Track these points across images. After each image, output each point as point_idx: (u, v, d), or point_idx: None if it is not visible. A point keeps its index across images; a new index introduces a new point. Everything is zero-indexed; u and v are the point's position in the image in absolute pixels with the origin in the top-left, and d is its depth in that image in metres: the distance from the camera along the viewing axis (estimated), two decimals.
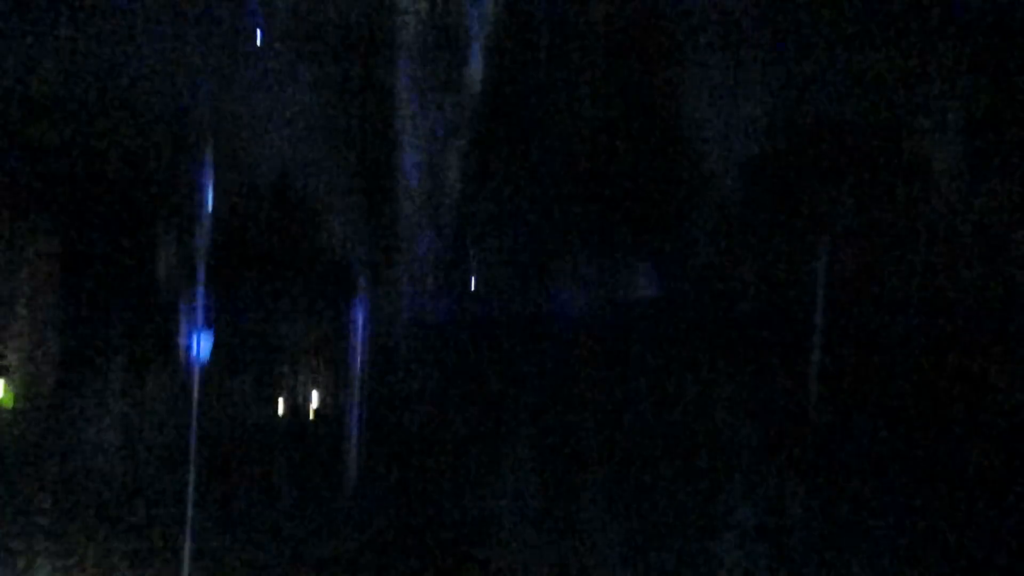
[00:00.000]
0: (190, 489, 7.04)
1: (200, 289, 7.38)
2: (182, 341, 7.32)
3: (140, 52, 7.63)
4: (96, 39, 7.63)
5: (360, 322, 7.73)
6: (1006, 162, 7.56)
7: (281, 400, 7.55)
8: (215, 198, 7.65)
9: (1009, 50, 7.53)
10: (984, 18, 7.55)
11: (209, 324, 7.34)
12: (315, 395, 7.64)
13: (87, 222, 7.60)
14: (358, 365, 7.63)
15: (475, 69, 7.85)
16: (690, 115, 7.85)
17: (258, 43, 7.74)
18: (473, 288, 8.05)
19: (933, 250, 7.65)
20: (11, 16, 7.50)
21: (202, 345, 7.29)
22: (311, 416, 7.65)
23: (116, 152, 7.68)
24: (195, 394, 7.14)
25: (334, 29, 7.77)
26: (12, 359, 7.36)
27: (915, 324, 7.62)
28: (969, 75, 7.57)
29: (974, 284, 7.58)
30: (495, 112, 7.94)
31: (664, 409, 7.86)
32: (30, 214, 7.55)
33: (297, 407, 7.60)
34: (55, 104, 7.59)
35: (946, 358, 7.59)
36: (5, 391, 7.35)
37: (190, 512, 7.01)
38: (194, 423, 7.12)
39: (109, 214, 7.62)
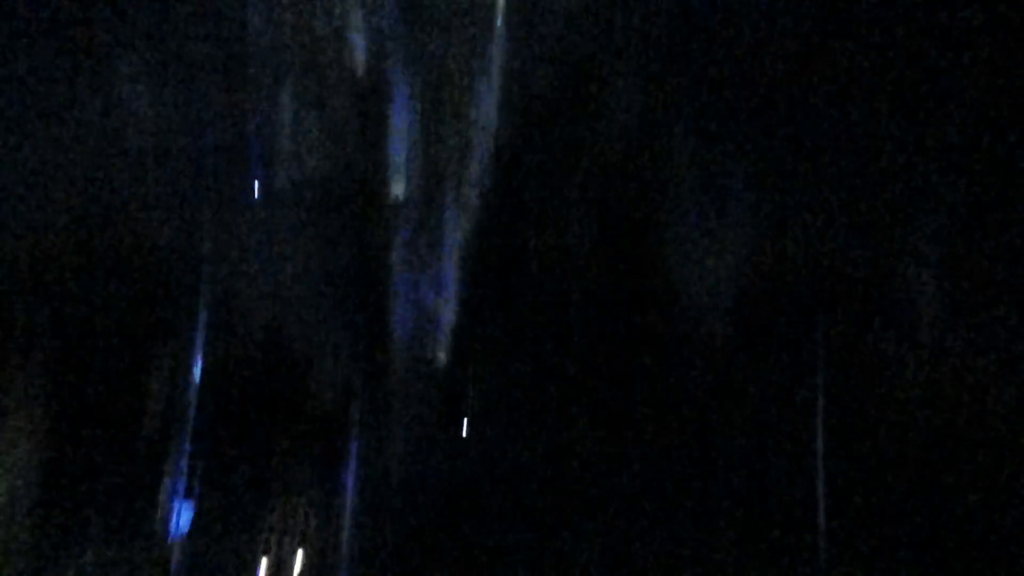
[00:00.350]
0: None
1: (185, 451, 7.29)
2: (163, 510, 7.21)
3: (140, 199, 7.62)
4: (92, 185, 7.62)
5: (351, 478, 7.62)
6: (988, 301, 7.50)
7: (264, 566, 7.43)
8: (206, 351, 7.59)
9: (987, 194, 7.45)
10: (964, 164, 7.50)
11: (191, 492, 7.24)
12: (300, 561, 7.51)
13: (74, 374, 7.54)
14: (347, 527, 7.51)
15: (466, 225, 7.83)
16: (677, 265, 7.82)
17: (256, 195, 7.74)
18: (465, 438, 7.94)
19: (924, 399, 7.55)
20: (18, 166, 7.51)
21: (183, 516, 7.19)
22: None
23: (109, 304, 7.64)
24: (174, 565, 7.02)
25: (330, 184, 7.75)
26: None
27: (917, 482, 7.51)
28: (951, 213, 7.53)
29: (963, 427, 7.46)
30: (485, 267, 7.90)
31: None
32: (17, 364, 7.48)
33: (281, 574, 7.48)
34: (53, 252, 7.56)
35: (951, 513, 7.45)
36: None
37: None
38: None
39: (98, 367, 7.56)
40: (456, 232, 7.89)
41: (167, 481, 7.17)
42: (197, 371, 7.56)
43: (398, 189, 7.81)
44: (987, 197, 7.47)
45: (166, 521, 7.16)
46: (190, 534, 7.18)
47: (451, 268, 7.88)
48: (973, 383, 7.41)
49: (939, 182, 7.54)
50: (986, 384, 7.38)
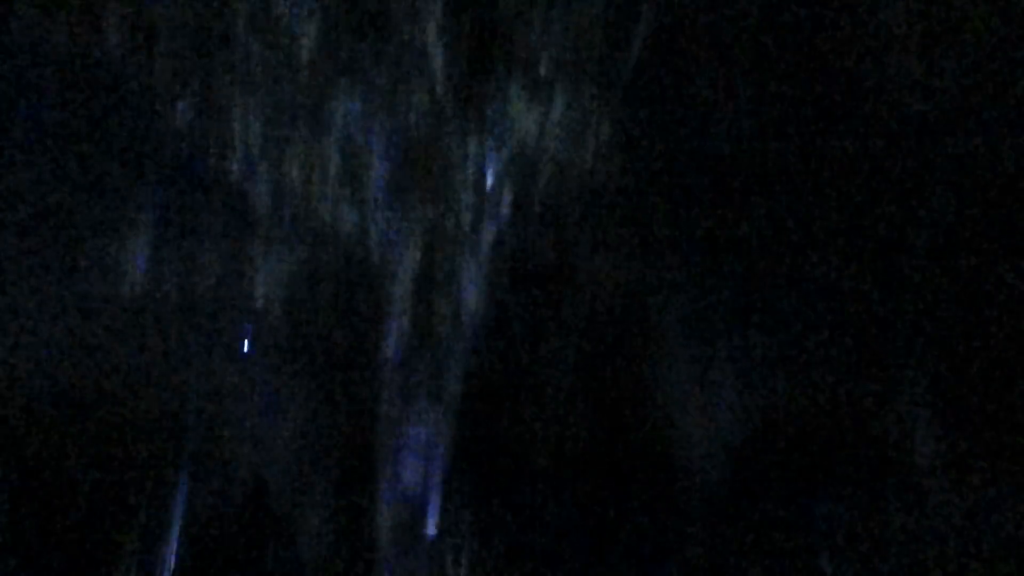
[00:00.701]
0: None
1: None
2: None
3: (128, 351, 7.59)
4: (81, 336, 7.59)
5: None
6: (985, 449, 7.56)
7: None
8: (186, 509, 7.48)
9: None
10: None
11: None
12: None
13: (45, 531, 7.38)
14: None
15: (457, 388, 7.84)
16: (670, 428, 7.85)
17: (245, 351, 7.74)
18: None
19: (928, 552, 7.54)
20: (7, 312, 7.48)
21: None
22: None
23: (89, 455, 7.53)
24: None
25: (320, 343, 7.77)
26: None
27: None
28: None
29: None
30: (477, 430, 7.88)
31: None
32: None
33: None
34: (34, 401, 7.49)
35: None
36: None
37: None
38: None
39: (71, 523, 7.41)
40: (447, 395, 7.88)
41: None
42: (176, 532, 7.42)
43: (389, 352, 7.84)
44: (979, 348, 7.58)
45: None
46: None
47: (442, 432, 7.85)
48: (975, 535, 7.44)
49: (928, 333, 7.67)
50: (987, 532, 7.41)
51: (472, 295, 7.94)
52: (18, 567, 7.23)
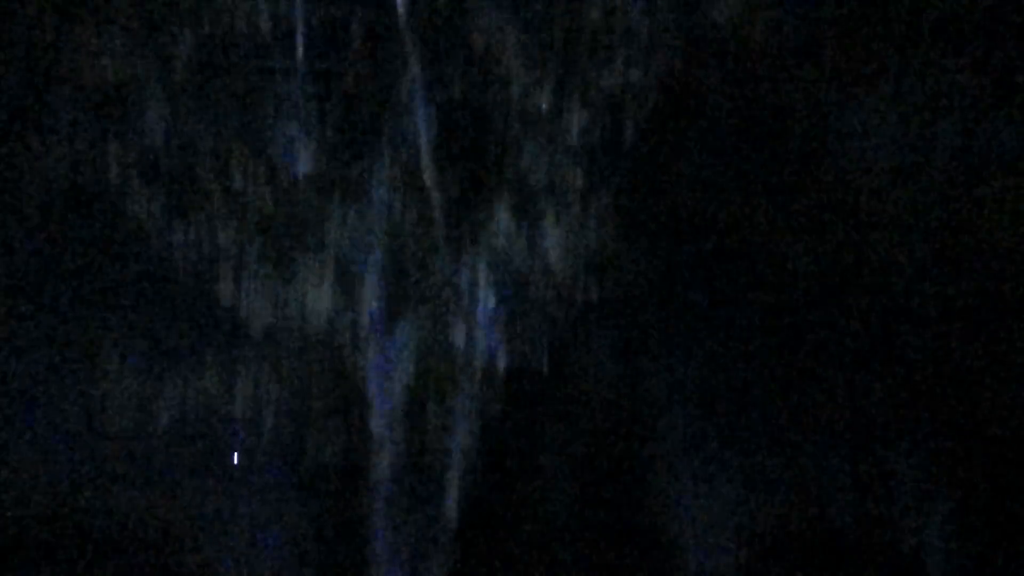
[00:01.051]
0: None
1: None
2: None
3: (115, 473, 7.53)
4: (65, 460, 7.54)
5: None
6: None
7: None
8: None
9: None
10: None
11: None
12: None
13: None
14: None
15: (451, 502, 7.70)
16: (670, 535, 7.68)
17: (235, 462, 7.65)
18: None
19: None
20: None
21: None
22: None
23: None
24: None
25: (311, 462, 7.67)
26: None
27: None
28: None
29: None
30: (471, 544, 7.73)
31: None
32: None
33: None
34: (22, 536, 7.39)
35: None
36: None
37: None
38: None
39: None
40: (442, 516, 7.72)
41: None
42: None
43: (381, 472, 7.72)
44: (997, 456, 7.44)
45: None
46: None
47: (438, 554, 7.67)
48: None
49: (941, 439, 7.54)
50: None
51: (466, 413, 7.86)
52: None
